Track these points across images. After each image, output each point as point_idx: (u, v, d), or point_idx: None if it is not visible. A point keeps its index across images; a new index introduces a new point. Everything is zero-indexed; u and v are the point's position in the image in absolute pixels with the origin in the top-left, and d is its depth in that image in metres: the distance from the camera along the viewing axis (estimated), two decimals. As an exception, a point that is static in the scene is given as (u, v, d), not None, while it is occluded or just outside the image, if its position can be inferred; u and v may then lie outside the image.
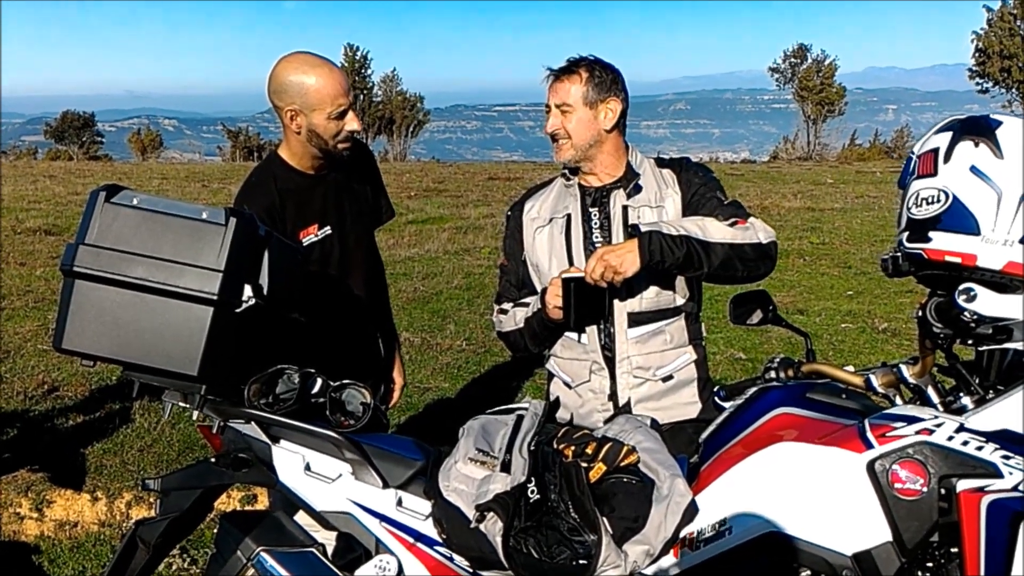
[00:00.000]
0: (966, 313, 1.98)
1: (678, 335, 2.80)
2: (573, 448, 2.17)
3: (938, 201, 1.99)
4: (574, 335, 2.81)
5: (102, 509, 4.26)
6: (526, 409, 2.37)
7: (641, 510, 2.04)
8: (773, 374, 2.58)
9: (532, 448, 2.16)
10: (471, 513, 2.06)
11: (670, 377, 2.78)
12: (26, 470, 4.43)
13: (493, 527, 2.02)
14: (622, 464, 2.11)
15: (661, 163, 2.87)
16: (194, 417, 2.34)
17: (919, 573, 2.02)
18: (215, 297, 2.07)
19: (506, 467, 2.10)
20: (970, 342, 2.08)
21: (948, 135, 2.02)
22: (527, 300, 2.86)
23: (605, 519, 2.02)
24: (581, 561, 1.96)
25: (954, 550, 1.97)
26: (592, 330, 2.78)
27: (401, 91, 51.24)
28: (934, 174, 2.01)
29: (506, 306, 2.93)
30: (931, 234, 2.00)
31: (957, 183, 1.97)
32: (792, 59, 39.64)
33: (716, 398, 2.81)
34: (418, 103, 54.23)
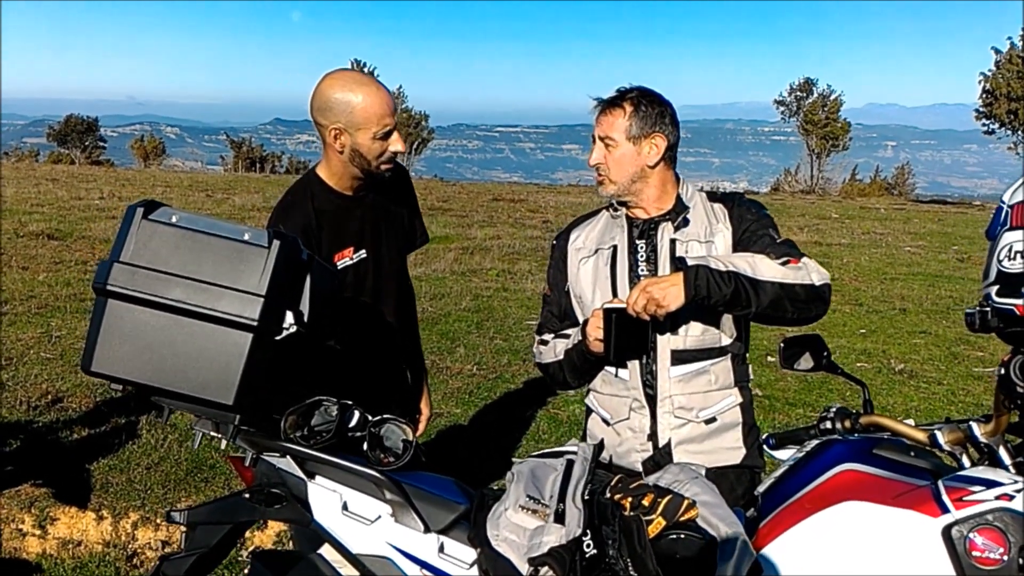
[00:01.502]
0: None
1: (723, 376, 2.70)
2: (630, 500, 2.05)
3: None
4: (614, 370, 2.71)
5: (107, 529, 4.13)
6: (575, 453, 2.25)
7: (705, 571, 1.92)
8: (829, 424, 2.48)
9: (587, 498, 2.04)
10: (523, 566, 1.94)
11: (713, 419, 2.67)
12: (29, 484, 4.31)
13: (547, 582, 1.90)
14: (682, 519, 1.99)
15: (713, 197, 2.78)
16: (222, 446, 2.22)
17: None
18: (255, 323, 1.96)
19: (560, 517, 1.98)
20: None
21: None
22: (568, 331, 2.76)
23: (666, 579, 1.90)
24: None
25: (1032, 625, 1.86)
26: (634, 366, 2.68)
27: (406, 108, 51.41)
28: None
29: (547, 337, 2.83)
30: None
31: None
32: (798, 92, 39.81)
33: (765, 446, 2.71)
34: (423, 120, 54.44)
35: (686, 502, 2.02)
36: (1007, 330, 1.99)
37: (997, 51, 33.81)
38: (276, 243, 2.02)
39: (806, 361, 2.76)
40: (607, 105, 2.68)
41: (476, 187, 26.68)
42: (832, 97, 39.20)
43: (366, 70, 47.36)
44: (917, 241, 16.41)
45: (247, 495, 2.17)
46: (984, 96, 33.68)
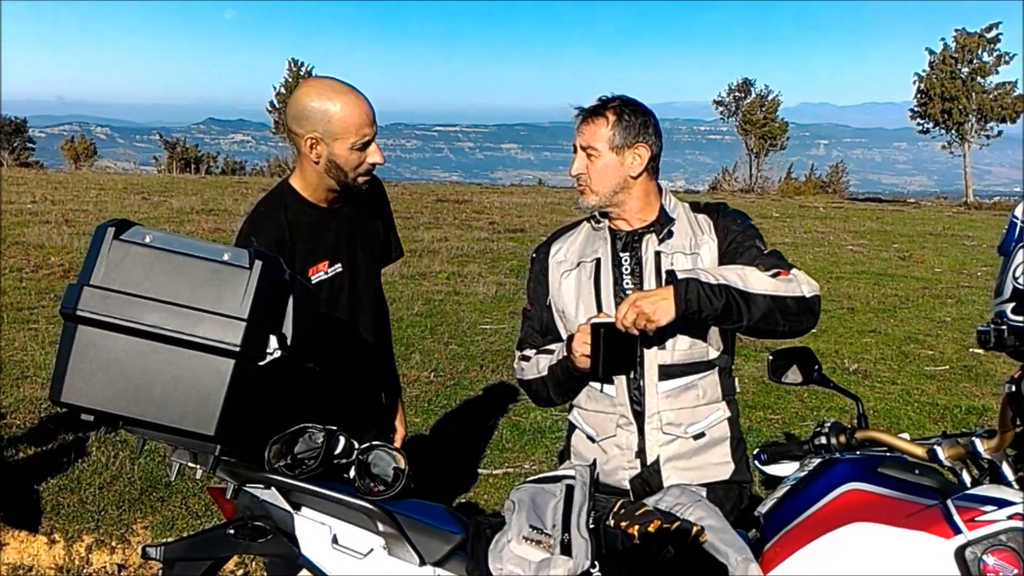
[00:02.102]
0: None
1: (711, 390, 2.64)
2: (637, 527, 1.98)
3: None
4: (600, 386, 2.64)
5: (60, 553, 3.95)
6: (572, 477, 2.17)
7: (717, 599, 1.86)
8: (824, 440, 2.44)
9: (592, 526, 1.96)
10: (527, 600, 1.86)
11: (702, 435, 2.62)
12: (-27, 508, 4.10)
13: (555, 618, 1.82)
14: (691, 546, 1.93)
15: (696, 208, 2.73)
16: (198, 475, 2.11)
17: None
18: (238, 348, 1.85)
19: (566, 548, 1.90)
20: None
21: None
22: (552, 347, 2.69)
23: (679, 610, 1.84)
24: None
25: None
26: (621, 382, 2.61)
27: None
28: None
29: (528, 353, 2.75)
30: None
31: None
32: (736, 93, 40.37)
33: (756, 461, 2.66)
34: (363, 120, 53.53)
35: (695, 529, 1.96)
36: (1023, 348, 1.95)
37: (931, 52, 34.73)
38: (258, 263, 1.91)
39: (795, 374, 2.72)
40: (589, 114, 2.62)
41: (419, 188, 26.50)
42: (770, 97, 39.84)
43: (303, 70, 46.84)
44: (859, 240, 16.69)
45: (233, 530, 2.04)
46: (919, 96, 34.57)
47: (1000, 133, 34.98)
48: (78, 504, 4.23)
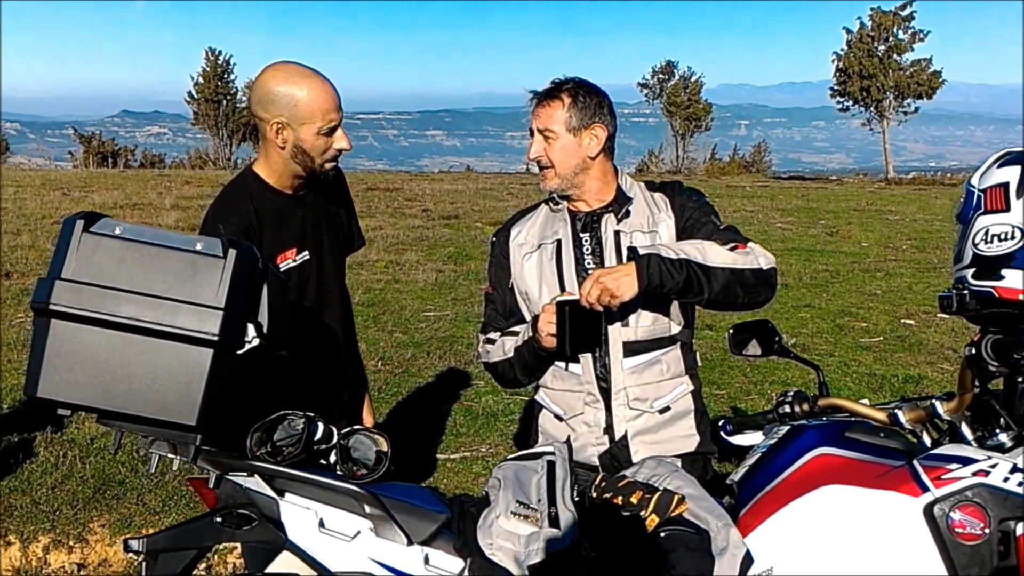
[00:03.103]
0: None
1: (674, 365, 2.69)
2: (621, 498, 2.02)
3: (1012, 238, 1.94)
4: (565, 365, 2.68)
5: (16, 555, 3.86)
6: (552, 454, 2.21)
7: (704, 566, 1.91)
8: (788, 408, 2.50)
9: (576, 499, 2.00)
10: (518, 572, 1.89)
11: (667, 409, 2.67)
12: (-80, 514, 3.98)
13: (551, 591, 1.85)
14: (673, 515, 1.98)
15: (652, 187, 2.77)
16: (174, 467, 2.09)
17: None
18: (216, 338, 1.84)
19: (554, 521, 1.93)
20: (1020, 379, 2.03)
21: (1017, 169, 1.97)
22: (516, 328, 2.71)
23: (668, 576, 1.88)
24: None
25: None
26: (587, 361, 2.65)
27: (268, 98, 49.93)
28: (1006, 209, 1.96)
29: (493, 336, 2.77)
30: (1004, 272, 1.95)
31: None
32: (660, 75, 40.78)
33: (722, 432, 2.73)
34: (285, 110, 52.66)
35: (676, 497, 2.01)
36: (984, 311, 2.03)
37: (848, 31, 35.48)
38: (232, 252, 1.90)
39: (755, 347, 2.79)
40: (544, 97, 2.64)
41: (348, 176, 26.16)
42: (693, 79, 40.33)
43: (221, 59, 45.96)
44: (786, 217, 17.04)
45: (218, 517, 2.03)
46: (838, 75, 35.32)
47: (917, 110, 36.00)
48: (31, 505, 4.13)
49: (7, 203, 15.51)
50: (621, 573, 1.85)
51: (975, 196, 2.04)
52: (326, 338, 2.76)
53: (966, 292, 2.03)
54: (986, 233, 1.98)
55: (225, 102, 46.67)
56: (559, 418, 2.72)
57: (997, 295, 1.97)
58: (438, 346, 7.21)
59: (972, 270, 2.01)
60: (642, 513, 1.98)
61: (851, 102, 35.32)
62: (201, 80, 43.86)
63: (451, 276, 10.27)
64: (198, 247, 1.89)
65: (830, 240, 14.09)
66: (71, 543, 3.92)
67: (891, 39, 34.83)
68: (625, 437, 2.63)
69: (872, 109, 35.01)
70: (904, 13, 34.95)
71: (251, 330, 1.94)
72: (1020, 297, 1.94)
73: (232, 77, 48.01)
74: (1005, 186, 1.97)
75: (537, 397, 2.81)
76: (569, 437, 2.64)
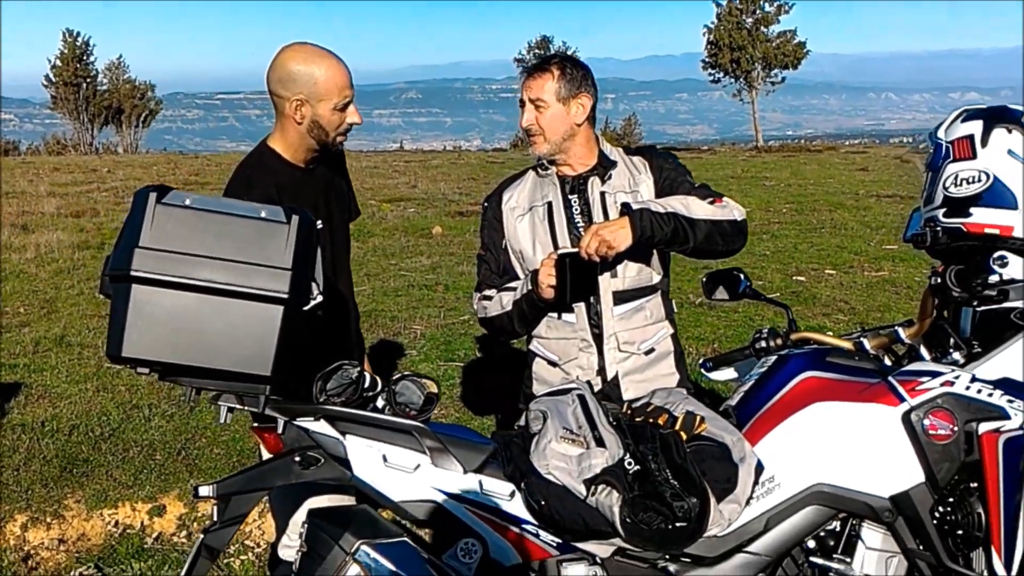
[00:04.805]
0: (994, 276, 2.30)
1: (656, 311, 2.99)
2: (652, 420, 2.31)
3: (978, 181, 2.31)
4: (558, 315, 2.93)
5: (-6, 535, 3.89)
6: (578, 389, 2.47)
7: (731, 472, 2.22)
8: (764, 343, 2.84)
9: (614, 423, 2.28)
10: (579, 488, 2.16)
11: (652, 350, 2.96)
12: None
13: (607, 499, 2.12)
14: (697, 432, 2.28)
15: (629, 151, 3.06)
16: (220, 419, 2.23)
17: (941, 507, 2.33)
18: (286, 296, 2.03)
19: (601, 442, 2.20)
20: (975, 303, 2.40)
21: (979, 123, 2.34)
22: (512, 285, 2.95)
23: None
24: (691, 524, 2.12)
25: (973, 484, 2.31)
26: (580, 310, 2.91)
27: (129, 79, 48.28)
28: (973, 157, 2.33)
29: (489, 292, 3.00)
30: (972, 210, 2.31)
31: (997, 165, 2.30)
32: (536, 50, 41.22)
33: (703, 369, 3.06)
34: (148, 91, 51.17)
35: (698, 417, 2.31)
36: (952, 244, 2.39)
37: (718, 4, 36.59)
38: (295, 218, 2.08)
39: (722, 292, 3.11)
40: (535, 70, 2.89)
41: (226, 158, 25.72)
42: (568, 54, 40.93)
43: (80, 40, 44.11)
44: (670, 186, 17.58)
45: (296, 457, 2.23)
46: (709, 47, 36.42)
47: (783, 80, 37.59)
48: (1, 486, 4.16)
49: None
50: (665, 483, 2.13)
51: (943, 147, 2.41)
52: (340, 302, 2.94)
53: (938, 229, 2.40)
54: (955, 178, 2.36)
55: (85, 85, 44.80)
56: (554, 364, 2.98)
57: (965, 230, 2.34)
58: (364, 320, 7.34)
59: (943, 210, 2.38)
60: (674, 429, 2.27)
61: (722, 74, 36.57)
62: (59, 63, 41.96)
63: (359, 253, 10.37)
64: (262, 214, 2.07)
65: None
66: (48, 520, 3.98)
67: (758, 11, 36.19)
68: (616, 377, 2.92)
69: (742, 80, 36.33)
70: (769, -15, 36.18)
71: (315, 288, 2.14)
72: (985, 231, 2.31)
73: (91, 59, 46.01)
74: (971, 137, 2.35)
75: (531, 347, 3.06)
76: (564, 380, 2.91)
